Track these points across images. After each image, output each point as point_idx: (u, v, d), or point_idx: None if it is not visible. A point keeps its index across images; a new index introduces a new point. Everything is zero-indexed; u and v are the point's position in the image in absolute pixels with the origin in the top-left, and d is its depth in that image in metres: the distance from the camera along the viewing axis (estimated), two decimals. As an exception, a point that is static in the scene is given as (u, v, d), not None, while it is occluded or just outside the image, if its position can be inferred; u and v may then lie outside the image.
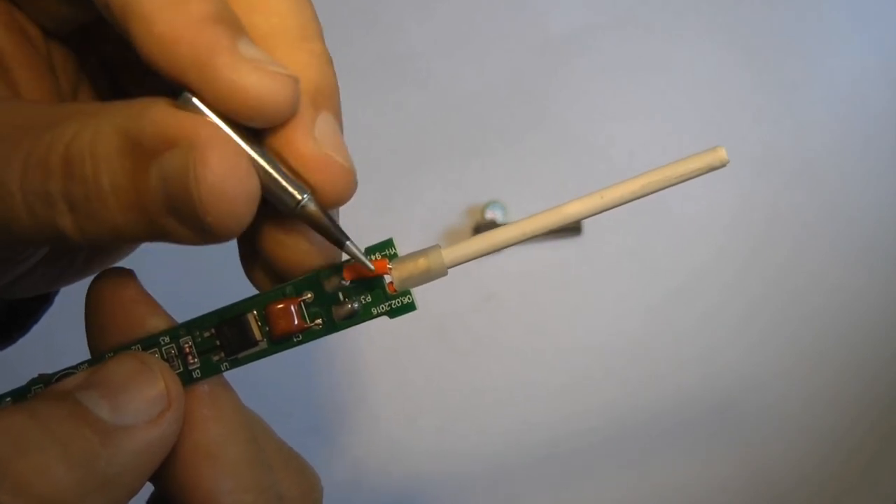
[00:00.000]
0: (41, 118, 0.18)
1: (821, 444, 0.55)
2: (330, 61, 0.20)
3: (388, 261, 0.20)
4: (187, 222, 0.17)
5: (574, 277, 0.57)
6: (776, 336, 0.57)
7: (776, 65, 0.61)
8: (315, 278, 0.20)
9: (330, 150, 0.19)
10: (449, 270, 0.20)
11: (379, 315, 0.21)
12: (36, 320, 0.27)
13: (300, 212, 0.19)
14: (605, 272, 0.57)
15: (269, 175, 0.18)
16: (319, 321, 0.20)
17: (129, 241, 0.18)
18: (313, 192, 0.19)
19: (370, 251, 0.21)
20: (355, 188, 0.19)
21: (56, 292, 0.27)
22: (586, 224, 0.56)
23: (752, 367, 0.56)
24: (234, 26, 0.18)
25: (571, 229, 0.56)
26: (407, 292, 0.20)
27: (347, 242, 0.19)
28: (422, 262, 0.20)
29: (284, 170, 0.19)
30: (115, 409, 0.18)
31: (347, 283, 0.20)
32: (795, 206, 0.59)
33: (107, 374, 0.19)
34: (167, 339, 0.21)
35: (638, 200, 0.20)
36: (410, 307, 0.20)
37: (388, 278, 0.20)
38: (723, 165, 0.20)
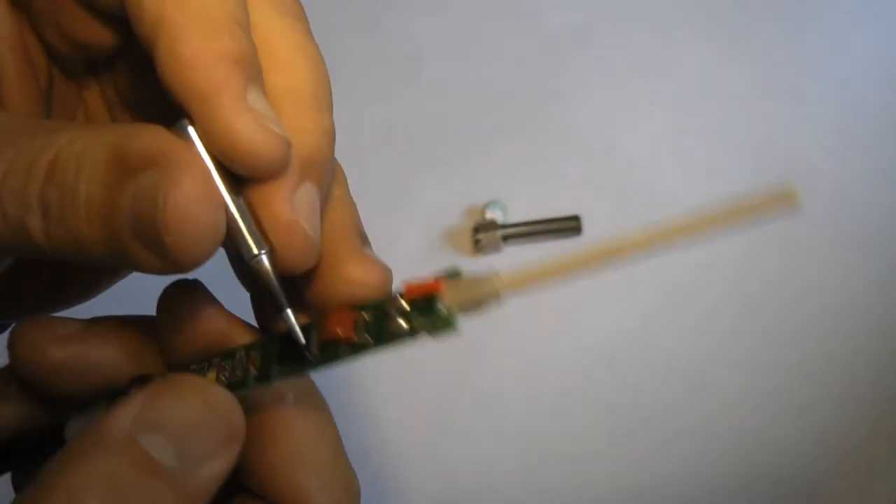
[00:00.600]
0: (35, 127, 0.19)
1: (821, 444, 0.55)
2: (332, 137, 0.20)
3: (442, 282, 0.20)
4: (148, 244, 0.17)
5: (574, 277, 0.57)
6: (777, 336, 0.57)
7: (776, 65, 0.61)
8: (377, 303, 0.21)
9: (302, 218, 0.19)
10: (504, 297, 0.20)
11: (422, 334, 0.21)
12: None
13: (252, 265, 0.19)
14: (605, 272, 0.57)
15: (235, 221, 0.19)
16: (368, 338, 0.20)
17: (91, 257, 0.18)
18: (272, 252, 0.19)
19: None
20: (314, 262, 0.20)
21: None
22: (586, 224, 0.56)
23: (752, 366, 0.56)
24: (252, 73, 0.18)
25: (571, 229, 0.56)
26: (452, 315, 0.20)
27: (287, 311, 0.20)
28: (476, 289, 0.20)
29: (252, 222, 0.19)
30: (183, 458, 0.18)
31: (403, 304, 0.20)
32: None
33: (168, 412, 0.18)
34: (243, 351, 0.21)
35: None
36: (452, 328, 0.20)
37: (438, 301, 0.20)
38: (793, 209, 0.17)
